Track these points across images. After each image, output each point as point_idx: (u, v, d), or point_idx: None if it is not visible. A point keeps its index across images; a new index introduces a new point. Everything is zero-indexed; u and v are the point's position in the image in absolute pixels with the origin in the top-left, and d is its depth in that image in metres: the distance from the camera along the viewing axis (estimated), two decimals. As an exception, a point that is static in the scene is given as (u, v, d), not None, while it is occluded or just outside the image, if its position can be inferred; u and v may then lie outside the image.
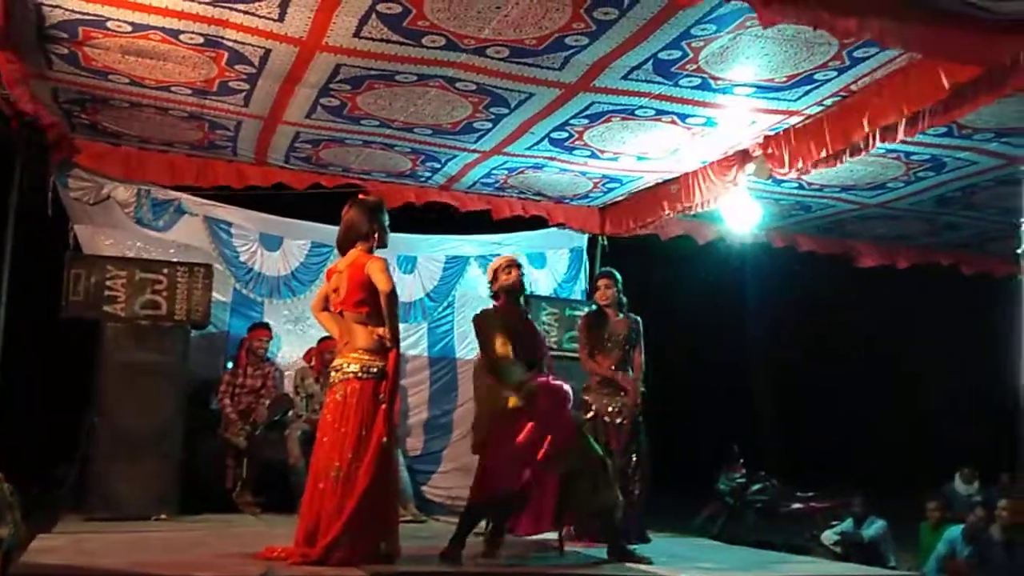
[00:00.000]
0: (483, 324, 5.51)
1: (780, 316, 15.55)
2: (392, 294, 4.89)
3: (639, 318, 6.85)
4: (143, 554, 5.02)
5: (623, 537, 5.70)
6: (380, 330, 4.95)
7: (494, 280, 5.64)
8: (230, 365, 7.90)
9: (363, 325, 4.98)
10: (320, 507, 4.81)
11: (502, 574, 5.26)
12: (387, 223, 5.25)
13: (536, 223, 8.98)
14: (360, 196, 5.40)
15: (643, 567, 5.37)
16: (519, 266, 5.63)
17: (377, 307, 4.93)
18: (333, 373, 5.05)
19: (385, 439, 4.85)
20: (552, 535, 5.70)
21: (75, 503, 6.76)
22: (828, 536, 9.34)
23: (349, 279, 5.00)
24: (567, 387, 5.54)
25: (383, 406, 4.89)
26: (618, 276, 6.80)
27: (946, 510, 9.28)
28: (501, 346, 5.33)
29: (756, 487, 10.57)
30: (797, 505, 10.24)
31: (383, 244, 5.21)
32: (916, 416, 14.63)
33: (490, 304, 5.71)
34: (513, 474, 5.30)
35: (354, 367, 4.94)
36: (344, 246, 5.20)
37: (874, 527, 9.05)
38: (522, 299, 5.70)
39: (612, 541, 5.59)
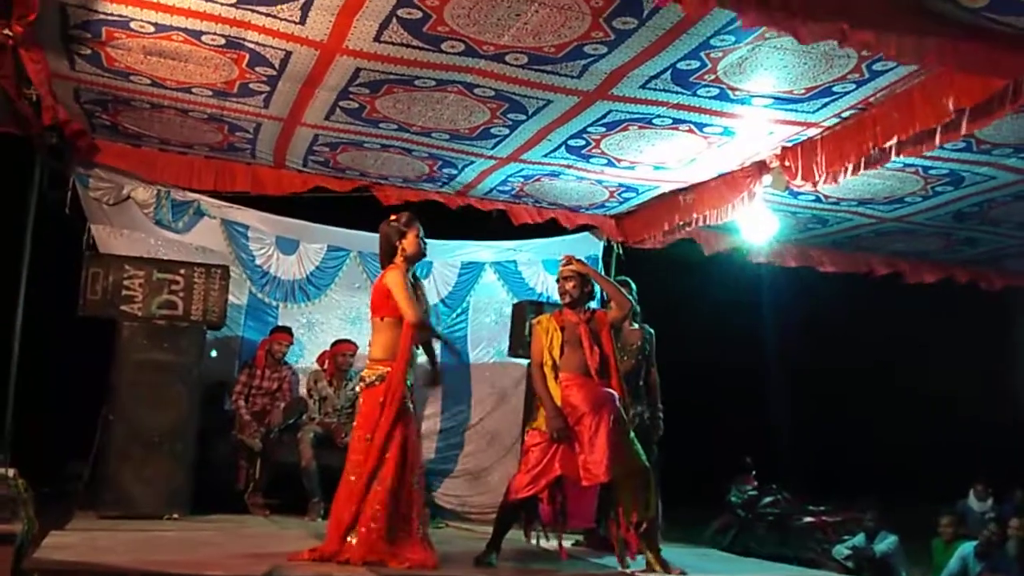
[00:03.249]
0: (533, 334, 5.73)
1: (795, 329, 15.49)
2: (407, 308, 5.13)
3: (652, 330, 6.86)
4: (154, 552, 5.05)
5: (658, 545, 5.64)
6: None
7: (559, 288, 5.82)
8: (236, 370, 7.93)
9: (380, 334, 5.26)
10: (349, 509, 5.03)
11: None
12: (419, 234, 5.42)
13: (551, 230, 8.98)
14: (392, 216, 5.53)
15: None
16: (574, 277, 5.69)
17: (392, 318, 5.20)
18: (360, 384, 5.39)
19: (384, 441, 5.05)
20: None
21: (88, 500, 6.79)
22: (839, 550, 9.27)
23: (373, 291, 5.35)
24: (612, 393, 5.55)
25: (386, 408, 5.10)
26: (633, 285, 6.80)
27: (959, 526, 9.21)
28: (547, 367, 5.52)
29: (767, 500, 10.51)
30: (808, 519, 10.15)
31: (418, 254, 5.42)
32: (930, 431, 14.55)
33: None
34: (535, 483, 5.39)
35: (367, 375, 5.26)
36: (384, 263, 5.44)
37: (886, 542, 8.98)
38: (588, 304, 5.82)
39: (653, 550, 5.51)
